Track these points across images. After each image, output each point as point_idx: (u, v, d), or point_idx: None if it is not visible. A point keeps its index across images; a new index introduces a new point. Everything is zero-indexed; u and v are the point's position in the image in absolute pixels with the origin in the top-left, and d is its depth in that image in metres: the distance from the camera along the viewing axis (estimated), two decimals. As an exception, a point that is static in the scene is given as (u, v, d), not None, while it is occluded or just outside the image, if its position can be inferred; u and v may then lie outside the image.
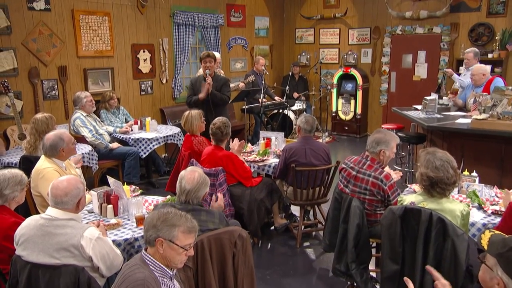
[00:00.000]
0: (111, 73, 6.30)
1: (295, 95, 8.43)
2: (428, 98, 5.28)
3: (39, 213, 3.22)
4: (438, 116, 5.14)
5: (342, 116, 9.04)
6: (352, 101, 8.86)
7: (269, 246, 4.15)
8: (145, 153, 5.46)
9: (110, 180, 3.08)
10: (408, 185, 3.33)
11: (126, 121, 6.04)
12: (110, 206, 2.92)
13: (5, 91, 4.93)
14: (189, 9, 7.29)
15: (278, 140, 4.65)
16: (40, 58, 5.47)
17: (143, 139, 5.47)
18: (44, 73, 5.54)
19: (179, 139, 5.85)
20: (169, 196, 3.19)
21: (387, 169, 3.20)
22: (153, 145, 5.50)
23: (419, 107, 5.69)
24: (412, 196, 2.62)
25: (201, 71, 6.74)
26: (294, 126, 8.35)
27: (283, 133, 4.83)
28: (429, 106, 5.22)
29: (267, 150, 4.42)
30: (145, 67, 6.78)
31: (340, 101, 9.03)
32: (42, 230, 2.18)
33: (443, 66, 7.89)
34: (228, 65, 8.36)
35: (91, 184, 5.09)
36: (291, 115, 8.23)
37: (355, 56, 8.95)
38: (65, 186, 2.28)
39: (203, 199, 2.60)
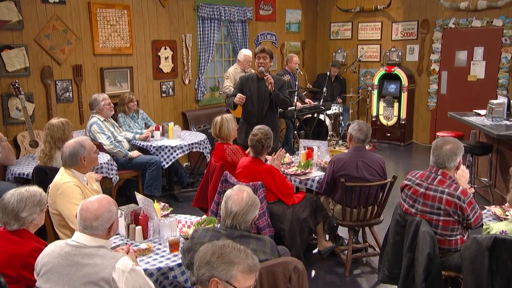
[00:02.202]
0: (129, 73, 6.24)
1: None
2: (494, 101, 5.03)
3: (56, 233, 3.15)
4: (508, 123, 4.88)
5: (384, 121, 8.78)
6: (396, 104, 8.58)
7: (313, 273, 3.96)
8: (167, 162, 5.36)
9: (139, 196, 2.95)
10: (487, 207, 3.10)
11: (146, 126, 5.96)
12: (139, 228, 2.79)
13: (16, 93, 4.90)
14: (214, 1, 7.20)
15: (321, 150, 4.47)
16: (54, 56, 5.43)
17: (166, 147, 5.37)
18: (57, 73, 5.51)
19: (205, 147, 5.74)
20: (204, 216, 3.04)
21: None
22: (177, 154, 5.39)
23: (481, 112, 5.43)
24: (501, 224, 2.41)
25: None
26: (330, 132, 8.17)
27: (327, 142, 4.64)
28: (496, 111, 4.96)
29: (310, 162, 4.24)
30: (166, 66, 6.71)
31: (382, 104, 8.77)
32: (68, 260, 2.06)
33: (504, 65, 7.57)
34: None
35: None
36: (326, 120, 8.03)
37: (399, 53, 8.70)
38: (96, 208, 2.16)
39: (252, 224, 2.44)
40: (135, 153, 5.29)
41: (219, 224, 2.95)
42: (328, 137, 8.10)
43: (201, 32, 7.10)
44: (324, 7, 9.62)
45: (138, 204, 3.06)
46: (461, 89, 8.15)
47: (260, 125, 3.92)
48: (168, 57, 6.71)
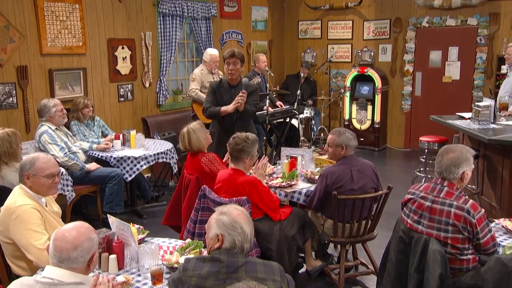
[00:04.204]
0: (83, 75, 5.88)
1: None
2: (480, 104, 5.06)
3: (8, 266, 2.82)
4: (495, 126, 4.92)
5: (357, 125, 8.78)
6: (369, 107, 8.61)
7: (302, 296, 3.80)
8: (130, 175, 5.06)
9: (111, 219, 2.68)
10: (495, 220, 3.04)
11: (103, 135, 5.62)
12: (113, 257, 2.52)
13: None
14: (176, -4, 6.96)
15: (305, 159, 4.32)
16: (-6, 56, 5.04)
17: (128, 157, 5.06)
18: (-1, 75, 5.10)
19: (172, 157, 5.47)
20: (188, 240, 2.80)
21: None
22: (141, 165, 5.10)
23: (466, 115, 5.48)
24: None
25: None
26: (301, 138, 8.08)
27: (311, 150, 4.51)
28: (482, 115, 4.99)
29: (295, 172, 4.08)
30: (124, 67, 6.39)
31: (354, 107, 8.78)
32: (39, 304, 1.79)
33: (480, 65, 7.75)
34: (221, 64, 7.99)
35: (62, 218, 4.64)
36: (296, 124, 7.92)
37: (372, 53, 8.75)
38: (74, 237, 1.92)
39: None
40: (93, 166, 4.96)
41: (205, 250, 2.72)
42: (300, 143, 8.01)
43: (162, 30, 6.83)
44: (291, 4, 9.56)
45: (101, 225, 2.81)
46: (436, 91, 8.29)
47: (243, 132, 3.72)
48: (126, 57, 6.39)
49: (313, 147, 8.15)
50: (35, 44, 5.40)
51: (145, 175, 6.45)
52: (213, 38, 7.72)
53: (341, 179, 3.59)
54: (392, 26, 8.53)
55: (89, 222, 4.52)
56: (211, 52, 6.49)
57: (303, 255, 3.92)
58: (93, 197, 5.12)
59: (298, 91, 7.30)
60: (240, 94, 4.57)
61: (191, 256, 2.51)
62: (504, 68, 6.95)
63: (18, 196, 2.75)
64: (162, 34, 6.83)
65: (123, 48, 6.34)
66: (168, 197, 6.02)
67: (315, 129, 8.63)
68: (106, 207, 4.98)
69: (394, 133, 8.89)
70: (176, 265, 2.49)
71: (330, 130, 8.91)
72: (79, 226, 1.98)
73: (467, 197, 2.82)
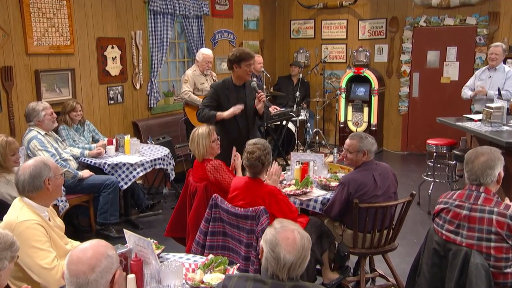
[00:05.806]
0: (71, 76, 5.63)
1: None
2: (492, 105, 4.99)
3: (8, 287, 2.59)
4: (508, 128, 4.85)
5: (353, 128, 8.67)
6: (365, 109, 8.51)
7: (320, 311, 3.62)
8: (126, 183, 4.83)
9: (128, 234, 2.46)
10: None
11: (94, 140, 5.37)
12: (131, 276, 2.30)
13: None
14: (167, -7, 6.74)
15: (317, 164, 4.17)
16: (-24, 55, 4.76)
17: (124, 164, 4.83)
18: (-18, 76, 4.83)
19: (169, 163, 5.26)
20: (211, 256, 2.60)
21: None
22: (138, 172, 4.87)
23: (475, 116, 5.41)
24: None
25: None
26: (297, 142, 7.93)
27: (322, 154, 4.35)
28: (494, 116, 4.91)
29: (309, 179, 3.91)
30: (114, 68, 6.14)
31: (350, 109, 8.68)
32: None
33: (479, 65, 7.73)
34: (213, 65, 7.82)
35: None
36: (292, 127, 7.79)
37: (367, 53, 8.67)
38: (91, 257, 1.71)
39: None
40: (86, 173, 4.72)
41: (233, 266, 2.53)
42: (295, 147, 7.86)
43: (153, 29, 6.61)
44: (283, 2, 9.43)
45: (94, 238, 2.59)
46: (434, 92, 8.24)
47: (254, 140, 3.52)
48: (116, 57, 6.15)
49: (308, 151, 8.00)
50: (20, 43, 5.13)
51: (138, 182, 6.21)
52: (205, 37, 7.52)
53: (364, 186, 3.44)
54: (388, 26, 8.46)
55: (81, 234, 4.29)
56: (204, 52, 6.30)
57: (318, 267, 3.76)
58: (84, 207, 4.88)
59: (297, 93, 7.14)
60: (260, 94, 4.36)
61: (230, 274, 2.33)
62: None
63: (20, 211, 2.51)
64: (153, 33, 6.61)
65: (112, 47, 6.09)
66: (163, 206, 5.81)
67: (311, 132, 8.50)
68: (100, 217, 4.76)
69: (391, 136, 8.81)
70: (202, 285, 2.30)
71: (325, 133, 8.86)
72: (94, 244, 1.79)
73: (508, 203, 2.70)
